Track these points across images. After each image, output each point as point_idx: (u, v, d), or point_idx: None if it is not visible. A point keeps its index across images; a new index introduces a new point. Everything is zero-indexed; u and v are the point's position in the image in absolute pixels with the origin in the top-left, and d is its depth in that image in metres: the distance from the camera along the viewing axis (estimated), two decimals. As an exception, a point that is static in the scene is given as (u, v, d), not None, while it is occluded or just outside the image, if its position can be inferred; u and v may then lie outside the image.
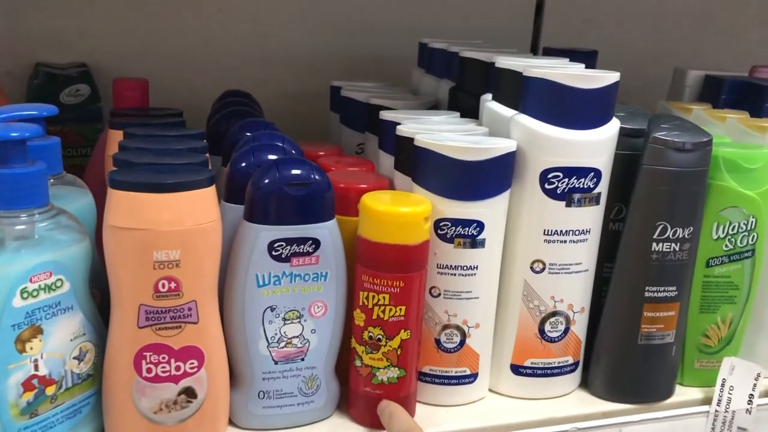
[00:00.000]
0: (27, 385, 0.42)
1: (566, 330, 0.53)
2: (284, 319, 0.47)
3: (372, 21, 0.87)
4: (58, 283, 0.43)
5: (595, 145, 0.50)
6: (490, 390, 0.55)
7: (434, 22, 0.89)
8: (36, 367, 0.42)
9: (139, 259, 0.41)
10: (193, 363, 0.44)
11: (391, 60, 0.88)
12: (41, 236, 0.42)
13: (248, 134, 0.56)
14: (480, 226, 0.49)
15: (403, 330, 0.48)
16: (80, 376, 0.45)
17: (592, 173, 0.50)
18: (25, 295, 0.41)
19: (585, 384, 0.56)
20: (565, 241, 0.51)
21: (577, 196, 0.51)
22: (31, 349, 0.42)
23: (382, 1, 0.88)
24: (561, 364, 0.54)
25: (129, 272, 0.42)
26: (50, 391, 0.43)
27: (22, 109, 0.47)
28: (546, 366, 0.54)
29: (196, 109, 0.68)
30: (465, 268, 0.50)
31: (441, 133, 0.52)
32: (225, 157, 0.57)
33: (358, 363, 0.49)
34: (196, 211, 0.42)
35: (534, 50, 0.93)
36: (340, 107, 0.72)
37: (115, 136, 0.56)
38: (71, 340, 0.44)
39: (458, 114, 0.60)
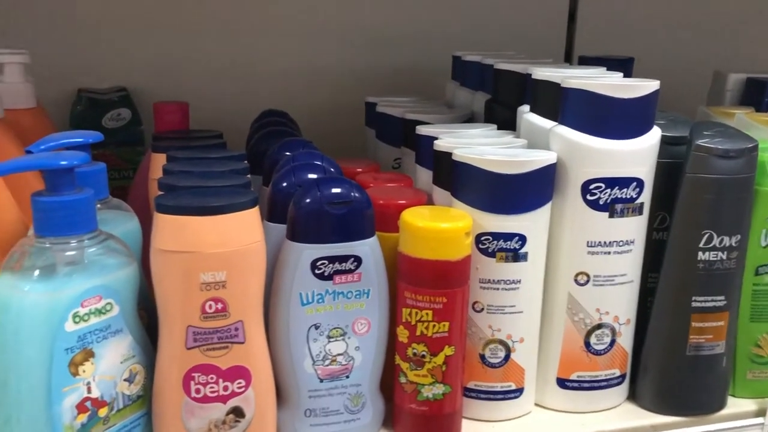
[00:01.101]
0: (81, 408, 0.42)
1: (612, 342, 0.53)
2: (328, 337, 0.48)
3: (404, 35, 0.88)
4: (108, 307, 0.43)
5: (637, 155, 0.50)
6: (536, 404, 0.54)
7: (466, 34, 0.89)
8: (89, 390, 0.43)
9: (186, 282, 0.42)
10: (240, 383, 0.44)
11: (424, 74, 0.88)
12: (90, 261, 0.43)
13: (287, 154, 0.56)
14: (522, 239, 0.49)
15: (447, 346, 0.48)
16: (130, 398, 0.45)
17: (635, 183, 0.50)
18: (77, 319, 0.42)
19: (633, 397, 0.56)
20: (609, 253, 0.51)
21: (619, 206, 0.50)
22: (84, 372, 0.42)
23: (413, 16, 0.88)
24: (608, 377, 0.53)
25: (176, 294, 0.43)
26: (103, 413, 0.44)
27: (69, 136, 0.49)
28: (592, 379, 0.53)
29: (234, 129, 0.69)
30: (508, 282, 0.50)
31: (479, 146, 0.52)
32: (265, 177, 0.57)
33: (402, 380, 0.49)
34: (241, 233, 0.43)
35: (568, 59, 0.93)
36: (376, 123, 0.72)
37: (158, 160, 0.57)
38: (121, 362, 0.45)
39: (495, 126, 0.60)
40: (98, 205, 0.49)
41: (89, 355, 0.43)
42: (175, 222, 0.42)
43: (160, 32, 0.82)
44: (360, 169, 0.61)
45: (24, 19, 0.78)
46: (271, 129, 0.65)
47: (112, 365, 0.44)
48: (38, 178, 0.55)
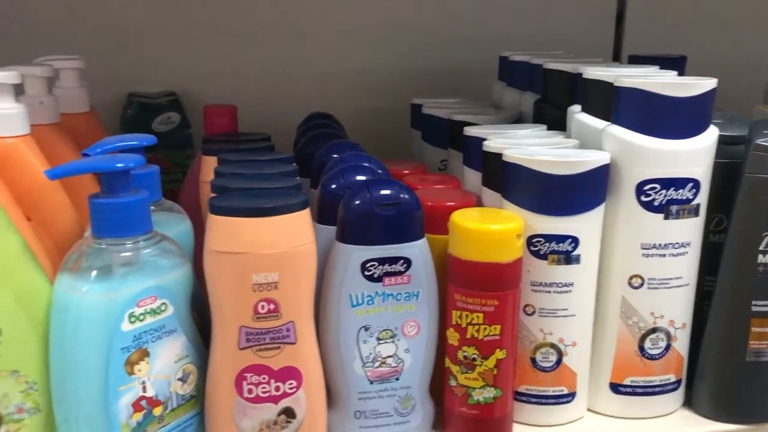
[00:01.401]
0: (136, 406, 0.43)
1: (667, 347, 0.51)
2: (378, 339, 0.47)
3: (449, 37, 0.87)
4: (163, 307, 0.44)
5: (693, 155, 0.49)
6: (588, 409, 0.53)
7: (511, 35, 0.88)
8: (144, 389, 0.43)
9: (239, 282, 0.42)
10: (292, 383, 0.45)
11: (469, 75, 0.87)
12: (145, 262, 0.43)
13: (334, 156, 0.56)
14: (575, 241, 0.48)
15: (498, 349, 0.47)
16: (184, 397, 0.46)
17: (691, 184, 0.49)
18: (133, 319, 0.42)
19: (689, 403, 0.54)
20: (664, 255, 0.50)
21: (675, 207, 0.49)
22: (139, 371, 0.43)
23: (457, 17, 0.88)
24: (663, 383, 0.52)
25: (229, 295, 0.43)
26: (157, 411, 0.44)
27: (123, 139, 0.50)
28: (647, 384, 0.52)
29: (280, 132, 0.69)
30: (560, 285, 0.49)
31: (530, 147, 0.51)
32: (313, 179, 0.58)
33: (453, 383, 0.49)
34: (292, 234, 0.43)
35: (616, 59, 0.91)
36: (422, 124, 0.72)
37: (208, 162, 0.58)
38: (175, 362, 0.45)
39: (545, 127, 0.59)
40: (152, 207, 0.50)
41: (144, 354, 0.43)
42: (228, 223, 0.42)
43: (207, 37, 0.84)
44: (407, 171, 0.61)
45: (77, 24, 0.80)
46: (318, 132, 0.65)
47: (166, 365, 0.44)
48: (93, 180, 0.56)
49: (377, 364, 0.48)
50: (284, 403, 0.45)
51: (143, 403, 0.43)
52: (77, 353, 0.41)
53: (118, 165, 0.43)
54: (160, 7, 0.82)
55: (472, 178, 0.57)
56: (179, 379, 0.45)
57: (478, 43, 0.87)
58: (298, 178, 0.50)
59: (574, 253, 0.49)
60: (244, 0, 0.84)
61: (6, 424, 0.43)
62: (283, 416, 0.45)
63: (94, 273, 0.42)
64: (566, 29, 0.89)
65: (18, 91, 0.50)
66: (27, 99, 0.54)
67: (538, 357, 0.51)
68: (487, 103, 0.76)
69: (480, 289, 0.47)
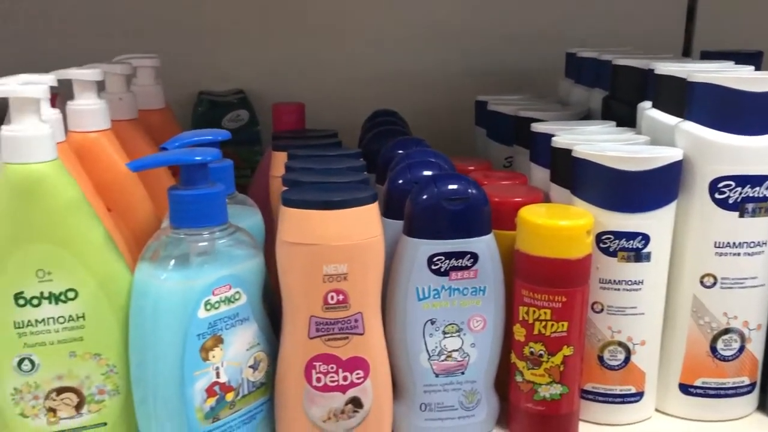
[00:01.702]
0: (210, 392, 0.45)
1: (741, 348, 0.50)
2: (444, 333, 0.48)
3: (513, 34, 0.87)
4: (237, 296, 0.45)
5: (771, 151, 0.47)
6: (656, 410, 0.53)
7: (578, 31, 0.87)
8: (218, 375, 0.45)
9: (310, 273, 0.43)
10: (359, 373, 0.45)
11: (534, 72, 0.87)
12: (221, 252, 0.45)
13: (400, 152, 0.57)
14: (645, 238, 0.48)
15: (565, 346, 0.47)
16: (254, 384, 0.47)
17: (768, 181, 0.47)
18: (209, 306, 0.44)
19: (763, 407, 0.53)
20: (739, 254, 0.48)
21: (750, 205, 0.48)
22: (213, 357, 0.44)
23: (523, 14, 0.87)
24: (735, 385, 0.51)
25: (300, 285, 0.44)
26: (229, 397, 0.46)
27: (200, 134, 0.51)
28: (719, 386, 0.51)
29: (343, 129, 0.70)
30: (629, 282, 0.48)
31: (600, 143, 0.50)
32: (379, 175, 0.58)
33: (518, 378, 0.49)
34: (362, 227, 0.44)
35: (686, 55, 0.89)
36: (487, 121, 0.72)
37: (278, 158, 0.59)
38: (247, 349, 0.46)
39: (614, 123, 0.58)
40: (226, 200, 0.52)
41: (219, 341, 0.45)
42: (300, 215, 0.43)
43: (274, 37, 0.85)
44: (472, 167, 0.61)
45: (150, 24, 0.83)
46: (383, 128, 0.66)
47: (239, 352, 0.46)
48: (168, 174, 0.58)
49: (443, 357, 0.48)
50: (351, 392, 0.45)
51: (216, 388, 0.45)
52: (155, 338, 0.43)
53: (197, 158, 0.45)
54: (230, 8, 0.84)
55: (539, 174, 0.57)
56: (250, 367, 0.47)
57: (542, 41, 0.87)
58: (366, 173, 0.51)
59: (645, 250, 0.48)
60: (312, 0, 0.85)
61: (88, 404, 0.45)
62: (350, 405, 0.46)
63: (172, 262, 0.43)
64: (634, 26, 0.87)
65: (99, 87, 0.53)
66: (107, 95, 0.56)
67: (606, 355, 0.50)
68: (553, 100, 0.75)
69: (548, 285, 0.46)
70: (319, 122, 0.76)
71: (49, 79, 0.44)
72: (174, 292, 0.43)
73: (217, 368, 0.45)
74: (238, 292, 0.45)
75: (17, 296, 0.41)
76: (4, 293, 0.41)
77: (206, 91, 0.83)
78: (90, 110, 0.50)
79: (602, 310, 0.49)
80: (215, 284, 0.44)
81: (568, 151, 0.50)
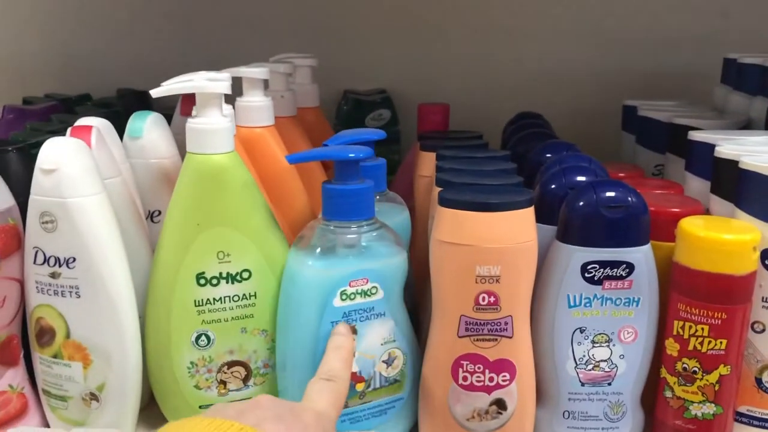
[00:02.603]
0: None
1: None
2: (593, 342, 0.47)
3: (664, 38, 0.84)
4: (373, 290, 0.46)
5: None
6: (818, 441, 0.49)
7: (735, 35, 0.83)
8: (347, 364, 0.46)
9: (463, 273, 0.44)
10: (505, 376, 0.46)
11: (685, 77, 0.83)
12: (364, 246, 0.46)
13: (549, 156, 0.56)
14: (818, 258, 0.45)
15: (722, 365, 0.45)
16: (387, 380, 0.48)
17: None
18: (344, 296, 0.45)
19: None
20: None
21: None
22: (345, 346, 0.46)
23: (676, 16, 0.84)
24: None
25: (452, 284, 0.45)
26: (359, 387, 0.47)
27: (358, 133, 0.53)
28: None
29: (485, 129, 0.70)
30: (797, 303, 0.46)
31: (767, 154, 0.48)
32: (526, 178, 0.58)
33: (668, 394, 0.47)
34: (516, 231, 0.44)
35: None
36: (637, 127, 0.70)
37: (426, 158, 0.61)
38: (381, 344, 0.47)
39: (782, 134, 0.55)
40: (377, 197, 0.53)
41: (352, 331, 0.46)
42: (456, 216, 0.44)
43: (418, 40, 0.87)
44: (622, 174, 0.59)
45: (299, 24, 0.87)
46: (530, 131, 0.66)
47: (372, 345, 0.47)
48: (320, 169, 0.61)
49: (590, 366, 0.47)
50: (496, 394, 0.46)
51: None
52: (297, 318, 0.46)
53: (350, 155, 0.47)
54: (375, 9, 0.87)
55: (697, 185, 0.55)
56: (384, 362, 0.48)
57: (696, 45, 0.83)
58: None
59: (817, 271, 0.45)
60: (454, 1, 0.86)
61: (254, 377, 0.48)
62: (494, 407, 0.46)
63: (318, 250, 0.46)
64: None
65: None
66: (270, 93, 0.59)
67: (765, 378, 0.47)
68: (707, 107, 0.72)
69: (707, 300, 0.45)
70: (460, 123, 0.76)
71: (226, 77, 0.47)
72: (314, 278, 0.45)
73: (348, 357, 0.46)
74: (375, 287, 0.46)
75: (199, 276, 0.45)
76: (187, 274, 0.45)
77: (352, 90, 0.85)
78: (257, 107, 0.53)
79: (764, 330, 0.47)
80: (352, 276, 0.45)
81: (734, 162, 0.48)
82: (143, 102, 0.84)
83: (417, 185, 0.62)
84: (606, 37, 0.85)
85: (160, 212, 0.54)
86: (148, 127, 0.53)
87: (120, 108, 0.74)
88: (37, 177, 0.44)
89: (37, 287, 0.45)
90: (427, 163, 0.60)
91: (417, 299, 0.56)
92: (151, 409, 0.51)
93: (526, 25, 0.85)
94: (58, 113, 0.73)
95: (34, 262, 0.45)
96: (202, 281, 0.45)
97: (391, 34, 0.87)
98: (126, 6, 0.90)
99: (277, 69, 0.60)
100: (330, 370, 0.41)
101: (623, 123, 0.75)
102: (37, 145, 0.55)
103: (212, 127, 0.44)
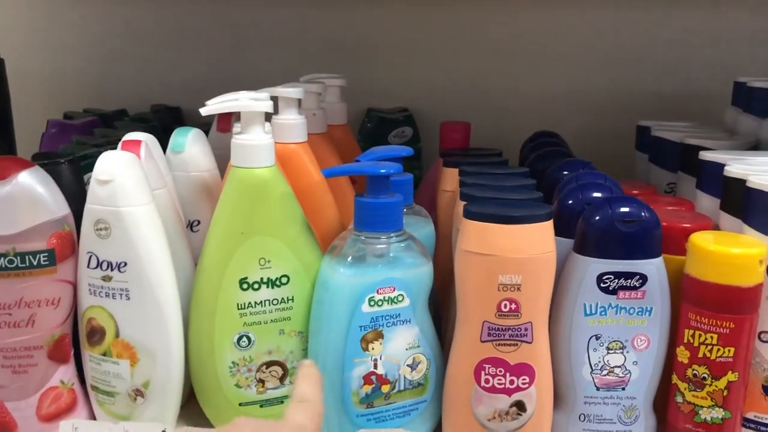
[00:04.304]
0: (367, 379, 0.49)
1: None
2: (608, 348, 0.50)
3: (678, 60, 0.87)
4: (400, 298, 0.49)
5: None
6: (823, 447, 0.52)
7: (743, 59, 0.86)
8: (375, 366, 0.49)
9: (486, 281, 0.47)
10: (525, 379, 0.48)
11: (696, 99, 0.86)
12: (392, 256, 0.49)
13: (566, 173, 0.59)
14: (822, 272, 0.48)
15: (730, 371, 0.48)
16: (411, 383, 0.51)
17: None
18: (372, 303, 0.48)
19: None
20: None
21: None
22: (373, 349, 0.49)
23: (687, 40, 0.87)
24: None
25: (476, 292, 0.48)
26: (385, 389, 0.50)
27: (389, 150, 0.57)
28: None
29: (503, 148, 0.73)
30: (802, 314, 0.48)
31: (775, 175, 0.51)
32: (544, 194, 0.61)
33: (679, 399, 0.50)
34: (537, 242, 0.47)
35: None
36: (650, 147, 0.73)
37: (449, 174, 0.64)
38: (406, 349, 0.50)
39: (789, 155, 0.58)
40: (404, 210, 0.56)
41: (379, 335, 0.49)
42: (481, 228, 0.47)
43: (438, 61, 0.90)
44: (636, 191, 0.62)
45: (323, 44, 0.91)
46: (548, 149, 0.69)
47: (397, 350, 0.50)
48: (349, 185, 0.64)
49: (605, 372, 0.50)
50: (516, 396, 0.49)
51: (373, 378, 0.49)
52: (328, 322, 0.49)
53: (382, 171, 0.50)
54: (398, 31, 0.90)
55: (706, 202, 0.58)
56: (408, 366, 0.50)
57: (707, 68, 0.86)
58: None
59: (820, 283, 0.48)
60: (474, 21, 0.90)
61: (290, 376, 0.51)
62: (514, 408, 0.49)
63: (349, 259, 0.49)
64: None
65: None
66: (303, 111, 0.63)
67: (771, 386, 0.50)
68: (718, 128, 0.75)
69: (716, 310, 0.47)
70: (478, 141, 0.80)
71: (267, 96, 0.50)
72: (345, 285, 0.48)
73: (375, 360, 0.49)
74: (401, 295, 0.49)
75: (242, 281, 0.48)
76: (231, 279, 0.48)
77: (375, 108, 0.89)
78: (292, 124, 0.57)
79: (771, 340, 0.50)
80: (381, 284, 0.48)
81: (741, 181, 0.51)
82: (176, 117, 0.88)
83: (440, 199, 0.65)
84: (621, 60, 0.88)
85: (199, 222, 0.57)
86: (189, 142, 0.56)
87: (156, 123, 0.78)
88: (93, 187, 0.47)
89: (89, 289, 0.48)
90: (450, 178, 0.63)
91: (440, 307, 0.59)
92: (190, 405, 0.54)
93: (545, 49, 0.89)
94: (98, 127, 0.77)
95: (88, 266, 0.48)
96: (245, 286, 0.48)
97: (413, 56, 0.91)
98: (159, 29, 0.94)
99: (309, 88, 0.63)
100: (302, 394, 0.41)
101: (637, 143, 0.78)
102: (85, 158, 0.59)
103: (256, 143, 0.47)
